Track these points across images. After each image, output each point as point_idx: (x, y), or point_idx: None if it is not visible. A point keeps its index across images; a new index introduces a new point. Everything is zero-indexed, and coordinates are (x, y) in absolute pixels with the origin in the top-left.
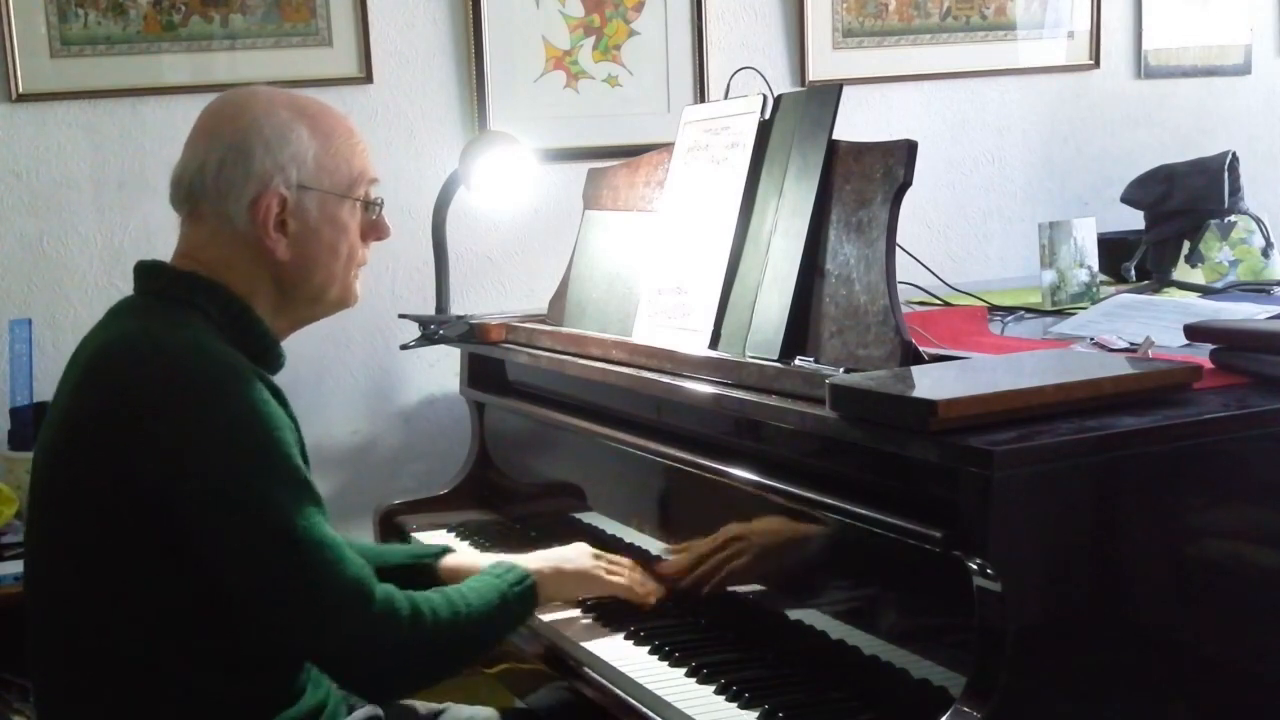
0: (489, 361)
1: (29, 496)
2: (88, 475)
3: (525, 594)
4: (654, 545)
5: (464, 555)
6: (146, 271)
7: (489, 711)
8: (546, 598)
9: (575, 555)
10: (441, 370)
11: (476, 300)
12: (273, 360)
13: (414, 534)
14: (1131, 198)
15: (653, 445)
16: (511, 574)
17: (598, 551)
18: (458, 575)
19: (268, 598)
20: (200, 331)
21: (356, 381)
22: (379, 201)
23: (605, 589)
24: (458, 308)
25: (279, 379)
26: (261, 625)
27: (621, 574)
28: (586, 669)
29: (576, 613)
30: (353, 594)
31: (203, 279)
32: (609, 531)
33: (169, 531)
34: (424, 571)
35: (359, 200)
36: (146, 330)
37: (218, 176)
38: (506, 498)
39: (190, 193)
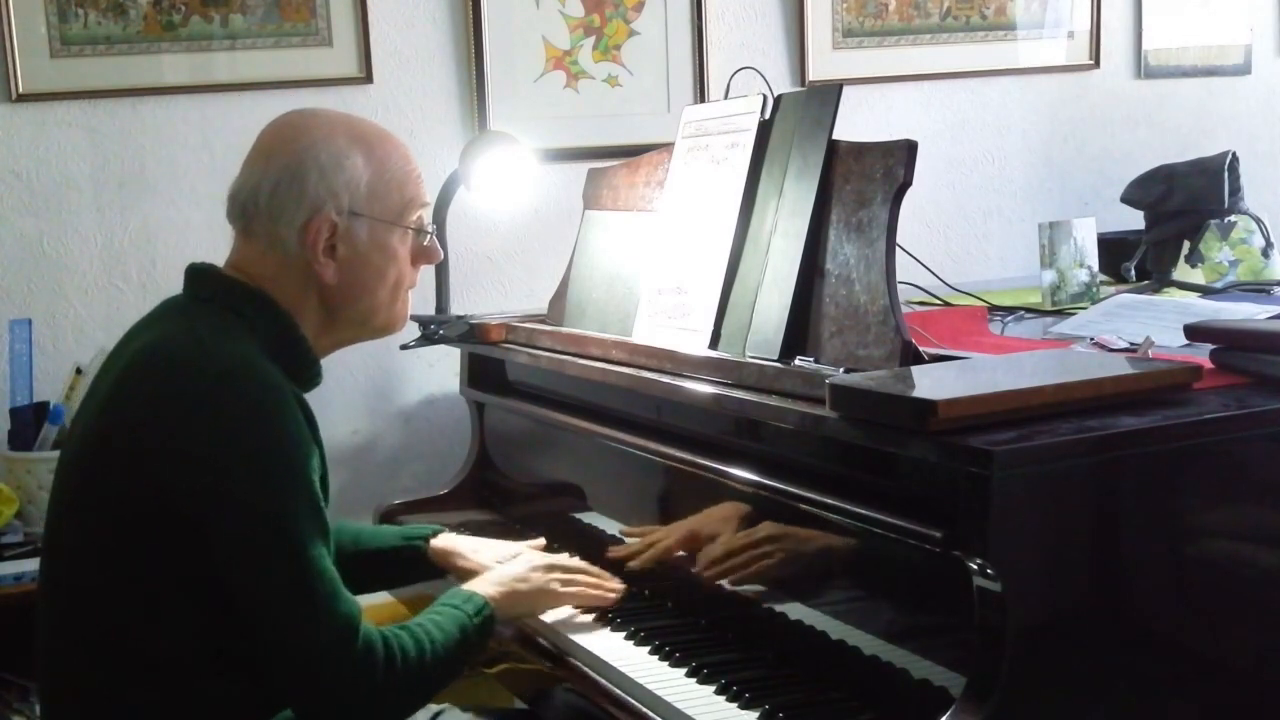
0: (489, 361)
1: (54, 487)
2: (120, 473)
3: (485, 622)
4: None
5: (453, 538)
6: (198, 275)
7: (489, 712)
8: (503, 621)
9: (528, 572)
10: (441, 370)
11: (476, 300)
12: (311, 378)
13: None
14: (1131, 198)
15: (653, 445)
16: (470, 604)
17: (550, 559)
18: (448, 558)
19: (265, 619)
20: (246, 344)
21: (356, 381)
22: (430, 229)
23: (561, 602)
24: (458, 308)
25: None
26: (255, 642)
27: (577, 583)
28: (587, 669)
29: (577, 612)
30: (340, 630)
31: (253, 290)
32: (609, 531)
33: (190, 537)
34: (414, 554)
35: (409, 228)
36: (195, 336)
37: (271, 199)
38: (506, 498)
39: (244, 211)
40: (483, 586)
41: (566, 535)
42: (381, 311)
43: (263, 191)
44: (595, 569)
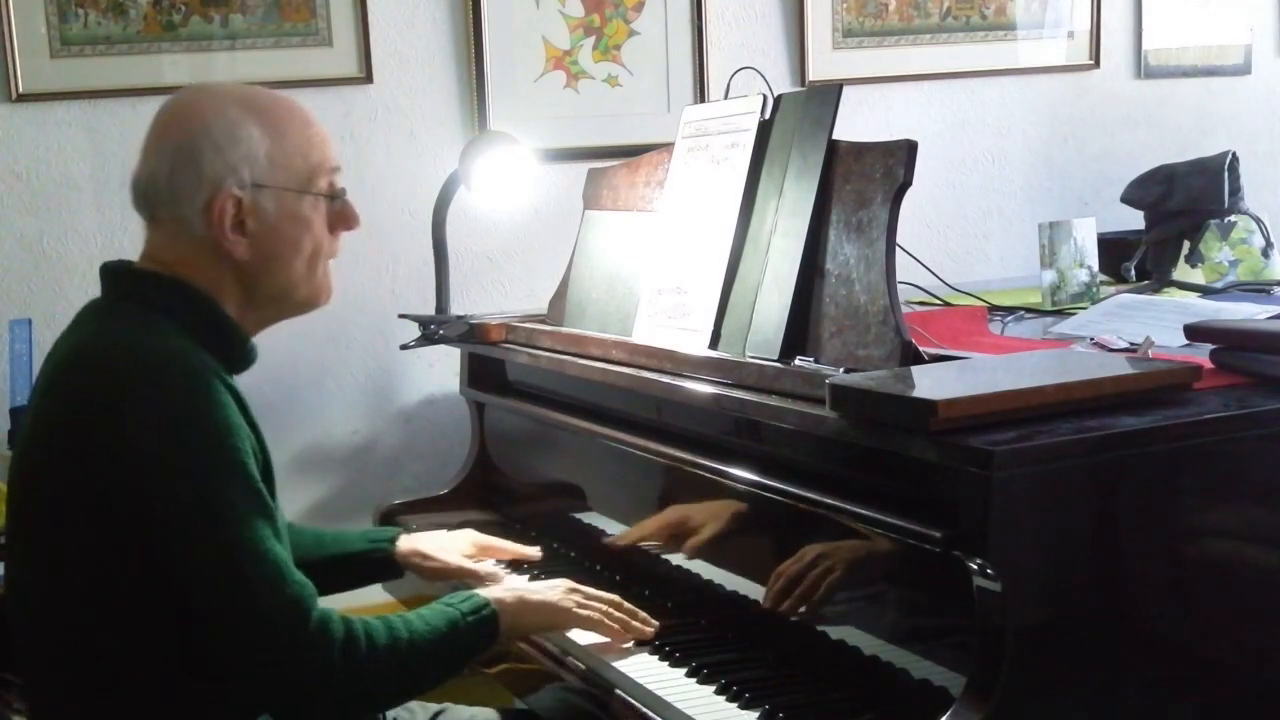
0: (489, 361)
1: (7, 499)
2: (56, 479)
3: (482, 623)
4: (654, 546)
5: (415, 538)
6: (112, 274)
7: (489, 712)
8: (508, 628)
9: (546, 587)
10: (441, 370)
11: (476, 300)
12: (243, 358)
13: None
14: (1131, 198)
15: (653, 445)
16: (468, 602)
17: (577, 586)
18: (415, 557)
19: (207, 606)
20: (165, 336)
21: (356, 381)
22: (342, 191)
23: (574, 624)
24: (458, 308)
25: (254, 375)
26: (204, 636)
27: (595, 610)
28: (587, 669)
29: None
30: (287, 611)
31: (167, 280)
32: (609, 531)
33: (131, 536)
34: (382, 555)
35: (319, 194)
36: (110, 335)
37: (170, 182)
38: (506, 498)
39: (146, 199)
40: (491, 590)
41: (567, 535)
42: (301, 285)
43: (160, 176)
44: (626, 604)
